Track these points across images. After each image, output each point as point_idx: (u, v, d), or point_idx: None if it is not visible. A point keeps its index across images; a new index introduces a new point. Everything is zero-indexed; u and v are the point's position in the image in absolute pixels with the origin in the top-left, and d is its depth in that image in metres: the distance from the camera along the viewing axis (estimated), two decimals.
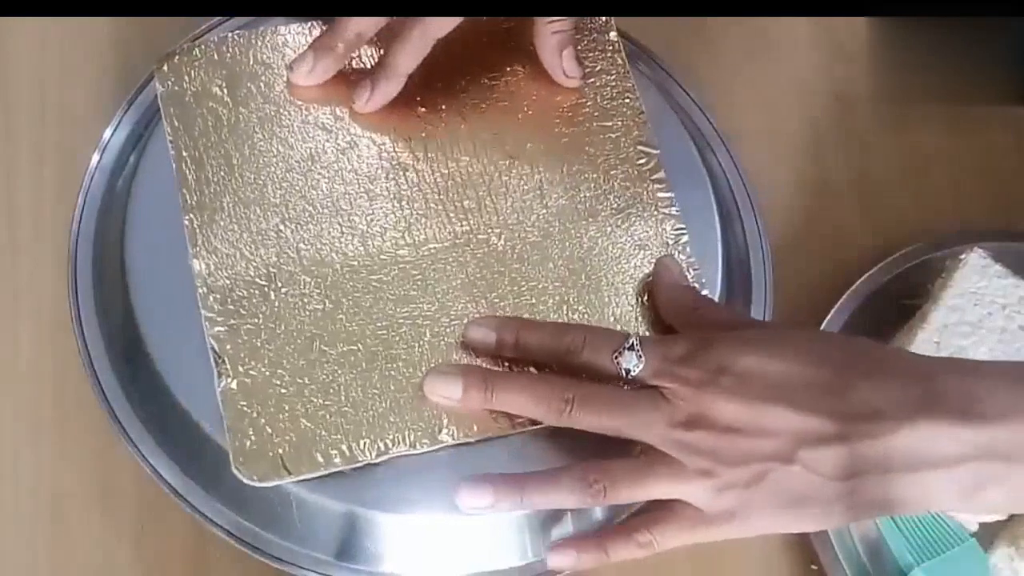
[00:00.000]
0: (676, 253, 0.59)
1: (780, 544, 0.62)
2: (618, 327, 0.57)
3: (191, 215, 0.57)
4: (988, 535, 0.62)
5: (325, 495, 0.53)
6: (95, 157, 0.62)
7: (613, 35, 0.65)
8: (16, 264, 0.64)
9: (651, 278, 0.58)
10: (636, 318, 0.58)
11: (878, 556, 0.61)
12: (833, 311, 0.65)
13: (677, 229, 0.60)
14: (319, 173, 0.60)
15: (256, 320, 0.55)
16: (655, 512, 0.52)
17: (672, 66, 0.68)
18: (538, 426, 0.54)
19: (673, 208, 0.60)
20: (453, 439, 0.54)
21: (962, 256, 0.64)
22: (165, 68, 0.61)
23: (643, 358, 0.51)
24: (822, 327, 0.64)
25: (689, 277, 0.59)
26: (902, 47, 0.76)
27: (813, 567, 0.61)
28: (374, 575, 0.55)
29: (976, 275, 0.63)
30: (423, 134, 0.61)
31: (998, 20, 0.73)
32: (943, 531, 0.61)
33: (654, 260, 0.59)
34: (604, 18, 0.65)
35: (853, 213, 0.71)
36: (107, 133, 0.62)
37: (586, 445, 0.53)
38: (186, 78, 0.61)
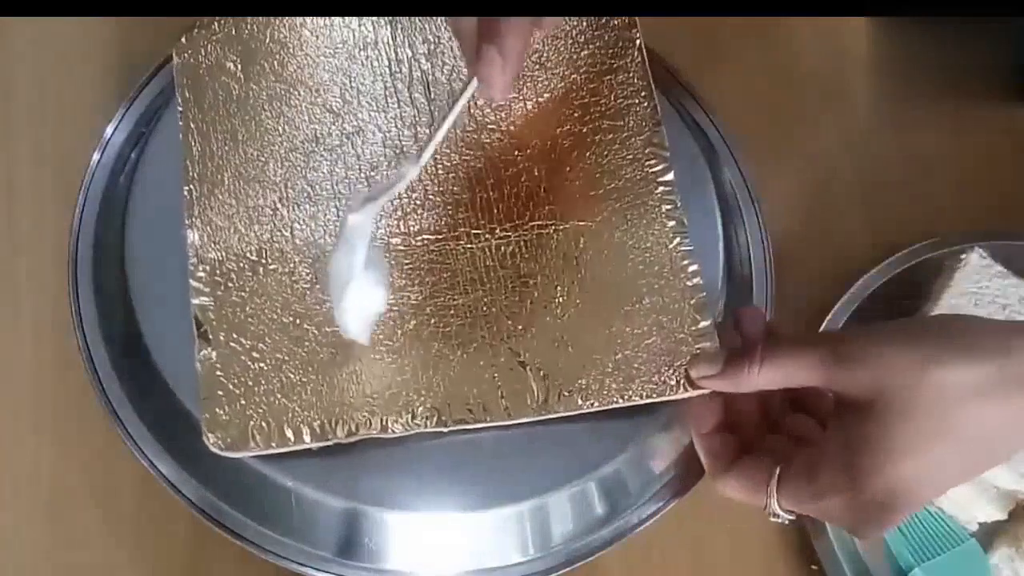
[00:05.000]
0: (676, 253, 0.59)
1: (780, 544, 0.63)
2: (608, 331, 0.57)
3: (191, 186, 0.58)
4: (988, 535, 0.62)
5: (326, 492, 0.53)
6: (96, 155, 0.62)
7: (636, 33, 0.63)
8: (16, 264, 0.64)
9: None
10: (629, 321, 0.57)
11: (878, 556, 0.61)
12: (833, 311, 0.65)
13: (678, 230, 0.59)
14: (321, 156, 0.60)
15: (243, 294, 0.56)
16: None
17: (673, 66, 0.68)
18: (520, 420, 0.54)
19: (676, 209, 0.60)
20: (426, 426, 0.53)
21: (962, 256, 0.64)
22: (183, 40, 0.61)
23: None
24: (823, 326, 0.64)
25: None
26: (902, 47, 0.76)
27: (813, 567, 0.61)
28: (375, 572, 0.55)
29: (976, 275, 0.63)
30: (429, 126, 0.61)
31: (998, 20, 0.73)
32: (943, 531, 0.61)
33: (653, 261, 0.59)
34: (628, 17, 0.64)
35: (853, 213, 0.71)
36: (108, 130, 0.62)
37: (581, 435, 0.54)
38: (202, 51, 0.61)
